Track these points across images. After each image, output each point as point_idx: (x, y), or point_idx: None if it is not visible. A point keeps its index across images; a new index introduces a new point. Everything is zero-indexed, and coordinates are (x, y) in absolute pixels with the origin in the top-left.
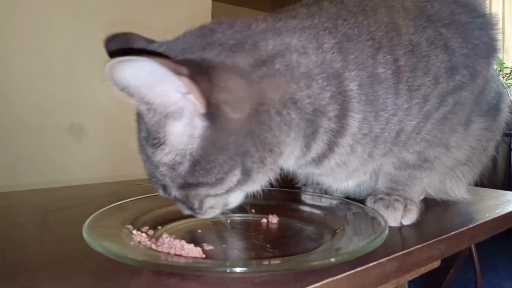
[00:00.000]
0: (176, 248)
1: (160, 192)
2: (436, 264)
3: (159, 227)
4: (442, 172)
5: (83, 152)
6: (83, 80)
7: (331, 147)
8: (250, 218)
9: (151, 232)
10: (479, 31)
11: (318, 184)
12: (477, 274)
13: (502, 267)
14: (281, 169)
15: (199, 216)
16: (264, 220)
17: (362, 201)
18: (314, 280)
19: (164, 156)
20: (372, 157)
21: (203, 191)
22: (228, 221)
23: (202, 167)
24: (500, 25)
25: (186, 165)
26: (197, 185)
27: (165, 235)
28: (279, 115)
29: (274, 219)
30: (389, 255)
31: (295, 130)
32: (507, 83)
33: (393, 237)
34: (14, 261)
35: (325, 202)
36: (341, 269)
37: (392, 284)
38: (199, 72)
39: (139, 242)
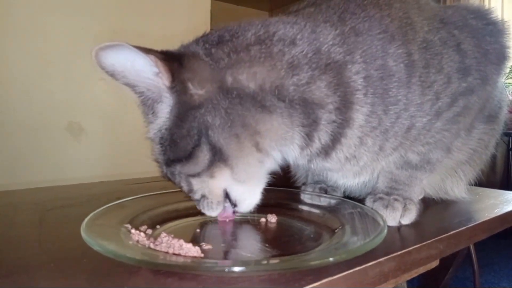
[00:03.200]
0: (175, 247)
1: (160, 172)
2: (434, 263)
3: (158, 226)
4: (443, 172)
5: (82, 151)
6: (82, 79)
7: (337, 138)
8: (249, 217)
9: (149, 231)
10: (490, 38)
11: (319, 183)
12: (475, 273)
13: (500, 266)
14: (285, 163)
15: (204, 211)
16: (263, 220)
17: (361, 200)
18: (312, 280)
19: (152, 132)
20: (384, 151)
21: (181, 168)
22: (228, 220)
23: (172, 140)
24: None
25: (166, 140)
26: (174, 161)
27: (163, 234)
28: (254, 98)
29: (273, 219)
30: (388, 255)
31: (282, 115)
32: (507, 83)
33: (391, 237)
34: (12, 260)
35: (324, 201)
36: (339, 269)
37: (390, 283)
38: (171, 57)
39: (138, 241)
